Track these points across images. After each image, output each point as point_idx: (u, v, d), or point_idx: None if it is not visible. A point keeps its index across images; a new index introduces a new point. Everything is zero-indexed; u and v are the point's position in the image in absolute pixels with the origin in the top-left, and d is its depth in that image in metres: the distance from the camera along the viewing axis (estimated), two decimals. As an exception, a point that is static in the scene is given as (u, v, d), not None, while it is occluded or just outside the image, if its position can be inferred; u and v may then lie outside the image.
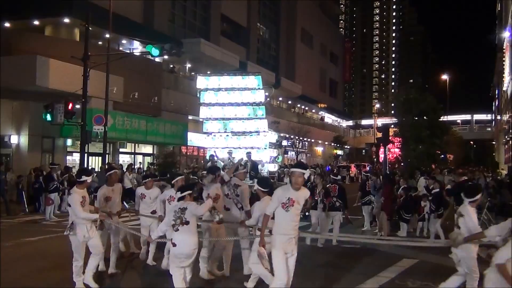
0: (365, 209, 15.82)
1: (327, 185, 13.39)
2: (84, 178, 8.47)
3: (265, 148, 22.41)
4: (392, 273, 9.76)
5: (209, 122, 22.67)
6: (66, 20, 30.46)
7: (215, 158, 20.36)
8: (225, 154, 20.60)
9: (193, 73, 40.76)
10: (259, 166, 20.13)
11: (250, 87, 22.21)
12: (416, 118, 30.97)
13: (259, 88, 22.27)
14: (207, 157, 22.04)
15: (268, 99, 62.40)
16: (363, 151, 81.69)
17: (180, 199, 7.29)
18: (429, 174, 18.37)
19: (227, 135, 22.31)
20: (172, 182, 9.36)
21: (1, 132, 26.33)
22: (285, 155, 58.77)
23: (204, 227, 8.97)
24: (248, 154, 19.51)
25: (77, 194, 8.32)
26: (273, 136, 23.43)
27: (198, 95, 22.81)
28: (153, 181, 10.90)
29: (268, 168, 23.09)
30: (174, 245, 7.09)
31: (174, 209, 7.28)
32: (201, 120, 24.17)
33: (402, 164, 33.81)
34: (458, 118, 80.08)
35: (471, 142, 74.18)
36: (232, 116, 22.33)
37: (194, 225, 7.23)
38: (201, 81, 22.81)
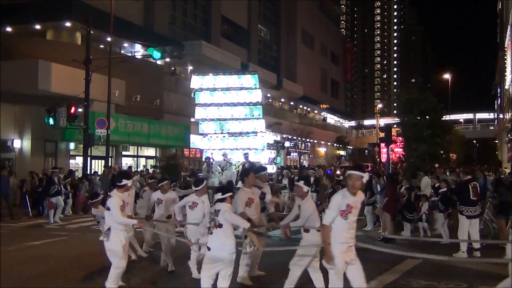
0: (368, 209, 15.82)
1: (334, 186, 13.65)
2: (124, 181, 8.08)
3: (263, 149, 21.70)
4: (396, 273, 9.75)
5: (205, 123, 21.75)
6: (68, 24, 30.51)
7: (211, 160, 19.75)
8: (221, 156, 19.99)
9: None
10: None
11: (246, 87, 21.37)
12: (418, 118, 30.93)
13: (255, 88, 21.50)
14: (203, 159, 21.34)
15: (270, 100, 62.74)
16: (366, 151, 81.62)
17: (219, 200, 6.89)
18: (432, 174, 18.36)
19: (224, 136, 21.40)
20: (158, 185, 9.30)
21: (4, 136, 26.38)
22: (288, 156, 58.83)
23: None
24: (246, 155, 19.12)
25: (117, 197, 7.97)
26: (271, 137, 22.74)
27: (193, 95, 21.90)
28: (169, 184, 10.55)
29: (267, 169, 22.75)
30: (208, 248, 6.79)
31: (210, 210, 7.09)
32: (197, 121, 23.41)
33: (404, 164, 33.75)
34: (461, 117, 79.99)
35: (474, 141, 74.05)
36: (229, 117, 21.38)
37: (229, 228, 6.83)
38: (196, 81, 21.77)
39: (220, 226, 6.72)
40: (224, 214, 6.73)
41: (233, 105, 21.17)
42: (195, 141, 35.20)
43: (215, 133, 21.48)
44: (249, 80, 21.40)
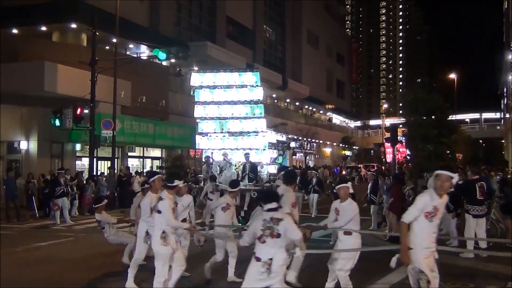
0: (374, 209, 15.81)
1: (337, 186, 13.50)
2: (176, 182, 7.81)
3: (264, 149, 20.80)
4: (403, 274, 9.71)
5: (204, 121, 20.76)
6: (73, 25, 30.58)
7: (211, 159, 19.20)
8: (221, 156, 19.23)
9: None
10: (258, 168, 19.04)
11: (247, 84, 20.39)
12: (424, 118, 30.85)
13: (257, 85, 20.45)
14: (203, 159, 20.75)
15: (275, 100, 62.73)
16: (372, 151, 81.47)
17: (274, 209, 6.22)
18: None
19: (224, 136, 20.46)
20: (150, 181, 8.64)
21: (11, 138, 26.50)
22: (293, 157, 58.80)
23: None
24: (247, 155, 18.37)
25: (169, 200, 7.67)
26: (272, 136, 21.88)
27: (192, 93, 21.07)
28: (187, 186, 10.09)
29: (268, 169, 21.63)
30: (258, 259, 6.11)
31: (263, 217, 6.23)
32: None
33: (410, 164, 33.61)
34: (467, 117, 79.72)
35: (480, 141, 73.79)
36: (229, 115, 20.41)
37: (285, 240, 6.22)
38: (196, 78, 20.87)
39: (278, 236, 6.11)
40: (287, 226, 6.13)
41: (233, 103, 20.27)
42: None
43: (214, 132, 20.63)
44: (250, 77, 20.53)
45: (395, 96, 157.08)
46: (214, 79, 20.50)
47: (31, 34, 31.04)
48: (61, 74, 24.99)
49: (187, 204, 9.19)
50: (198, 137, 21.29)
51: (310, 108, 72.73)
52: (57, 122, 23.15)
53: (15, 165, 25.84)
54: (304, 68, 67.15)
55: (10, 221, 19.03)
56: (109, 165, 26.34)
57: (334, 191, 12.08)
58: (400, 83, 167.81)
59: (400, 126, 35.21)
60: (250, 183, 17.32)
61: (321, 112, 77.76)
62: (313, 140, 59.55)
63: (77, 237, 15.02)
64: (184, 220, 8.96)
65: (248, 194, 16.69)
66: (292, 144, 55.22)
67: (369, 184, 16.93)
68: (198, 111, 20.70)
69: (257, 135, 20.15)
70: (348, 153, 75.72)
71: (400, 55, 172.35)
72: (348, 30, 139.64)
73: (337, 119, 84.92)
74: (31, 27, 30.81)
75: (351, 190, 7.85)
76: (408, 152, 36.00)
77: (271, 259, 6.05)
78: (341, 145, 72.81)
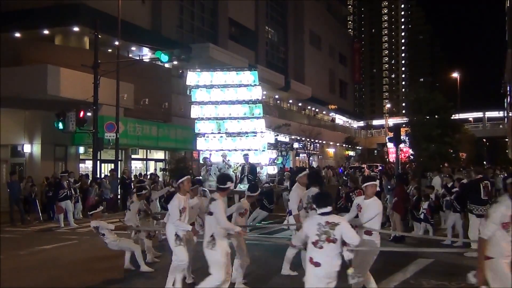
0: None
1: (339, 187, 13.90)
2: (228, 184, 7.67)
3: (263, 150, 20.03)
4: (407, 273, 9.73)
5: (201, 122, 20.03)
6: (76, 28, 30.65)
7: (209, 161, 18.57)
8: (219, 158, 18.69)
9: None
10: (258, 169, 18.41)
11: (245, 84, 19.68)
12: (427, 117, 30.79)
13: (255, 85, 19.68)
14: (201, 160, 19.95)
15: (278, 101, 62.74)
16: (375, 151, 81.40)
17: (326, 214, 6.15)
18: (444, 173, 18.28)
19: (221, 136, 19.77)
20: (178, 182, 8.39)
21: (14, 141, 26.55)
22: (297, 157, 58.79)
23: None
24: (246, 156, 17.93)
25: (222, 201, 7.50)
26: (271, 136, 21.14)
27: (188, 93, 20.17)
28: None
29: (267, 171, 20.85)
30: (317, 264, 6.02)
31: (317, 221, 6.16)
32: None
33: (413, 164, 33.58)
34: (470, 116, 79.54)
35: (484, 140, 73.64)
36: (227, 116, 19.71)
37: (340, 244, 6.17)
38: (192, 77, 20.09)
39: (334, 241, 6.05)
40: (343, 230, 6.08)
41: (231, 103, 19.56)
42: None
43: (212, 133, 19.90)
44: (248, 76, 19.71)
45: (398, 96, 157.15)
46: (211, 79, 19.86)
47: (33, 37, 31.14)
48: (64, 77, 25.02)
49: (197, 207, 9.26)
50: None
51: (313, 108, 72.76)
52: (61, 125, 23.18)
53: (19, 169, 25.87)
54: (307, 69, 67.14)
55: (14, 224, 19.09)
56: (112, 167, 26.39)
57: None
58: (403, 82, 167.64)
59: (403, 126, 35.25)
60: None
61: (324, 112, 77.78)
62: (316, 141, 59.53)
63: (81, 239, 15.04)
64: (193, 224, 8.86)
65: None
66: (295, 145, 55.21)
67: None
68: (195, 112, 20.03)
69: (255, 135, 19.45)
70: (351, 153, 75.69)
71: (403, 54, 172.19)
72: (350, 30, 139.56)
73: (340, 119, 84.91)
74: (33, 30, 30.90)
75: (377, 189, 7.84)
76: (411, 151, 36.08)
77: (328, 264, 6.01)
78: (344, 145, 72.77)
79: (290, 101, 65.11)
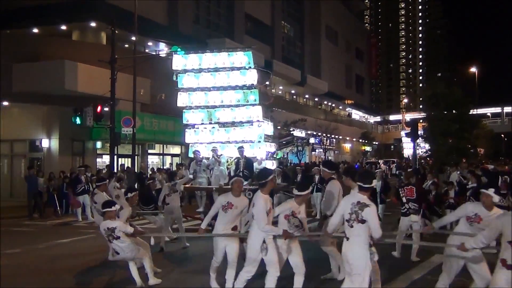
0: (381, 209, 15.65)
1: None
2: (374, 183, 6.91)
3: (260, 142, 17.17)
4: (424, 269, 9.68)
5: (190, 111, 17.44)
6: (93, 24, 30.84)
7: (200, 155, 16.24)
8: (209, 152, 16.52)
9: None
10: (255, 164, 16.14)
11: (238, 66, 17.08)
12: (445, 112, 30.59)
13: (250, 67, 17.00)
14: (190, 154, 17.52)
15: (294, 96, 62.59)
16: (392, 146, 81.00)
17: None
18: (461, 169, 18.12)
19: (213, 127, 17.22)
20: (261, 182, 7.48)
21: (32, 136, 26.84)
22: (313, 153, 58.68)
23: None
24: (240, 149, 15.73)
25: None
26: (269, 127, 18.13)
27: (175, 78, 17.67)
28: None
29: (266, 166, 17.49)
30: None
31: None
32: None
33: (428, 159, 33.46)
34: (488, 111, 78.79)
35: (502, 135, 72.91)
36: (218, 103, 17.12)
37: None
38: (178, 61, 17.46)
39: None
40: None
41: (223, 89, 17.02)
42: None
43: (202, 124, 17.36)
44: (242, 58, 17.11)
45: (415, 90, 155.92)
46: (199, 62, 17.16)
47: (51, 33, 31.41)
48: (81, 72, 25.20)
49: (243, 207, 8.14)
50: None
51: (329, 103, 72.56)
52: (78, 120, 23.34)
53: (37, 163, 26.15)
54: (323, 64, 66.93)
55: (32, 218, 19.31)
56: (129, 162, 26.55)
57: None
58: (420, 77, 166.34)
59: (421, 121, 35.10)
60: (245, 182, 14.21)
61: (340, 107, 77.52)
62: (333, 136, 59.36)
63: (98, 233, 15.10)
64: (235, 228, 8.07)
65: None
66: (312, 140, 55.10)
67: (378, 183, 15.80)
68: (182, 99, 17.43)
69: (251, 125, 16.89)
70: (368, 148, 75.40)
71: (420, 49, 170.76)
72: (367, 25, 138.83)
73: (356, 114, 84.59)
74: (51, 26, 31.17)
75: (496, 199, 6.89)
76: (428, 147, 35.88)
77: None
78: (360, 140, 72.52)
79: (306, 96, 65.00)
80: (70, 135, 26.52)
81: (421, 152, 39.56)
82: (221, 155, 15.99)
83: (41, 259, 11.48)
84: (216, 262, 8.12)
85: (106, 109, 23.78)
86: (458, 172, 17.40)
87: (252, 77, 16.87)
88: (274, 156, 17.81)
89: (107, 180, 13.36)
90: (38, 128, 26.69)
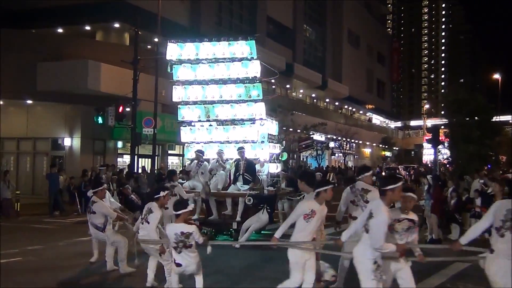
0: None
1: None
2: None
3: (263, 142, 15.36)
4: (443, 277, 9.60)
5: (186, 107, 15.71)
6: (116, 25, 31.11)
7: (202, 156, 14.73)
8: (212, 154, 15.15)
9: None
10: (257, 167, 14.61)
11: (240, 57, 15.21)
12: (467, 119, 30.28)
13: (252, 58, 15.13)
14: (186, 155, 16.21)
15: (315, 100, 62.47)
16: (412, 152, 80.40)
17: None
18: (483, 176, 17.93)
19: (211, 125, 15.49)
20: (388, 188, 6.22)
21: (55, 134, 27.15)
22: (332, 157, 58.51)
23: None
24: (241, 150, 14.18)
25: (385, 213, 5.94)
26: (273, 126, 16.40)
27: (169, 70, 16.03)
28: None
29: (269, 169, 15.70)
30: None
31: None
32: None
33: (447, 165, 33.19)
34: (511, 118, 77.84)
35: (525, 143, 71.89)
36: (217, 99, 15.29)
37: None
38: (173, 50, 15.70)
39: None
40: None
41: (222, 82, 15.26)
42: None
43: (199, 121, 15.66)
44: (243, 48, 15.25)
45: (437, 96, 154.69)
46: (196, 52, 15.44)
47: (75, 33, 31.76)
48: (104, 72, 25.43)
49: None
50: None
51: (350, 108, 72.28)
52: (100, 120, 23.57)
53: (59, 161, 26.45)
54: (344, 68, 66.71)
55: (52, 216, 19.54)
56: (149, 162, 26.71)
57: None
58: (442, 83, 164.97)
59: (442, 127, 34.75)
60: (245, 186, 13.65)
61: (361, 112, 77.19)
62: (353, 140, 59.14)
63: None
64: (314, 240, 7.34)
65: (242, 200, 13.39)
66: (331, 144, 54.95)
67: None
68: (177, 94, 15.72)
69: (253, 123, 15.02)
70: (388, 153, 74.96)
71: (443, 54, 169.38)
72: (389, 29, 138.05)
73: (377, 119, 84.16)
74: (75, 26, 31.51)
75: None
76: (448, 153, 35.55)
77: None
78: (381, 145, 72.12)
79: (327, 100, 64.83)
80: (92, 134, 26.78)
81: (442, 158, 39.23)
82: (227, 160, 14.73)
83: (61, 256, 11.63)
84: (295, 284, 6.89)
85: (127, 109, 23.98)
86: (482, 181, 17.21)
87: (255, 69, 15.08)
88: (279, 158, 16.17)
89: (105, 185, 11.55)
90: (60, 127, 27.00)
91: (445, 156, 38.41)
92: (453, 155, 33.03)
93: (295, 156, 47.38)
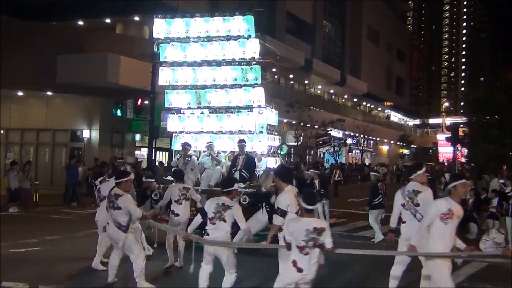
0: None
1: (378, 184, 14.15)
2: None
3: (261, 133, 13.19)
4: (461, 277, 9.52)
5: (174, 92, 13.71)
6: (136, 18, 31.22)
7: (190, 149, 12.80)
8: (201, 147, 13.24)
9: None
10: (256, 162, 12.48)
11: (237, 35, 13.14)
12: (487, 118, 30.02)
13: (250, 36, 13.09)
14: (173, 146, 14.26)
15: (333, 96, 62.22)
16: (430, 150, 79.84)
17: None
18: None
19: (202, 113, 13.54)
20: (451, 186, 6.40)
21: (74, 126, 27.39)
22: (350, 154, 58.30)
23: None
24: (241, 144, 12.12)
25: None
26: (272, 115, 13.98)
27: (156, 49, 14.10)
28: None
29: (266, 164, 13.28)
30: None
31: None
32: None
33: (466, 165, 32.91)
34: (531, 118, 76.97)
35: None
36: (209, 83, 13.31)
37: None
38: (160, 27, 13.80)
39: None
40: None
41: (216, 64, 13.27)
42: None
43: (189, 108, 13.68)
44: (240, 24, 13.20)
45: (457, 94, 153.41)
46: (186, 29, 13.46)
47: (95, 26, 31.93)
48: (123, 65, 25.55)
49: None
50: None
51: (368, 104, 71.93)
52: (119, 113, 23.72)
53: (77, 153, 26.69)
54: (363, 64, 66.35)
55: (71, 207, 19.72)
56: (167, 155, 26.82)
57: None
58: (462, 81, 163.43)
59: (461, 125, 34.51)
60: (242, 185, 11.16)
61: (379, 109, 76.78)
62: (370, 138, 58.87)
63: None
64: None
65: (237, 199, 11.32)
66: (349, 141, 54.74)
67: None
68: (164, 76, 13.83)
69: (251, 111, 13.03)
70: (405, 151, 74.51)
71: (463, 52, 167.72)
72: (409, 26, 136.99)
73: (395, 116, 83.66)
74: (95, 19, 31.67)
75: None
76: (466, 152, 35.30)
77: None
78: (398, 143, 71.70)
79: (345, 96, 64.56)
80: (110, 126, 26.97)
81: (460, 156, 38.96)
82: (219, 152, 12.96)
83: (79, 246, 11.73)
84: None
85: (146, 102, 24.09)
86: (502, 181, 17.06)
87: (253, 48, 13.08)
88: (278, 151, 14.15)
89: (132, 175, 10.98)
90: (79, 119, 27.25)
91: (463, 155, 38.10)
92: (471, 154, 32.79)
93: (311, 152, 47.34)
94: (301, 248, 5.81)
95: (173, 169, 11.70)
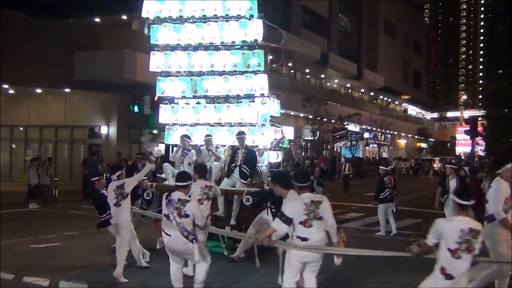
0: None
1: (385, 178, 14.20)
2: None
3: (264, 125, 11.88)
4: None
5: (167, 80, 12.41)
6: (152, 14, 31.31)
7: (188, 139, 11.53)
8: (201, 140, 11.78)
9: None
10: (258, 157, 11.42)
11: (237, 15, 11.66)
12: (506, 111, 29.72)
13: (252, 17, 11.65)
14: (166, 140, 13.24)
15: (350, 90, 61.94)
16: (448, 144, 79.25)
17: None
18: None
19: (198, 103, 12.28)
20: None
21: (92, 123, 27.60)
22: (367, 148, 58.08)
23: None
24: (241, 136, 11.03)
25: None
26: (274, 106, 12.63)
27: (146, 32, 12.77)
28: None
29: (269, 158, 12.30)
30: None
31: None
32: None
33: (486, 159, 32.58)
34: (552, 110, 76.06)
35: None
36: (206, 69, 11.86)
37: None
38: (150, 6, 12.57)
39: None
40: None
41: (213, 48, 11.85)
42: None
43: (183, 97, 12.38)
44: (241, 3, 11.67)
45: (475, 87, 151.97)
46: (180, 7, 12.03)
47: (112, 23, 32.10)
48: (140, 62, 25.61)
49: None
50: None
51: (385, 98, 71.53)
52: (136, 109, 23.88)
53: (95, 149, 26.90)
54: (380, 58, 65.95)
55: (89, 202, 19.88)
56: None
57: None
58: (480, 74, 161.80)
59: (480, 118, 34.20)
60: (243, 182, 10.61)
61: (396, 102, 76.30)
62: (388, 131, 58.58)
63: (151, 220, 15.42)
64: None
65: (239, 199, 10.49)
66: (366, 135, 54.53)
67: (451, 181, 12.92)
68: (156, 62, 12.51)
69: (252, 102, 11.68)
70: (423, 145, 74.01)
71: (481, 45, 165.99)
72: (426, 19, 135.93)
73: (413, 110, 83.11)
74: (112, 16, 31.83)
75: None
76: (484, 145, 34.99)
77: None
78: (416, 136, 71.24)
79: (362, 90, 64.25)
80: (128, 122, 27.11)
81: (479, 150, 38.64)
82: (217, 146, 11.72)
83: (99, 242, 11.81)
84: None
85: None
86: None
87: (255, 30, 11.68)
88: (280, 145, 12.96)
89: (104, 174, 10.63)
90: (97, 115, 27.44)
91: (481, 148, 37.78)
92: (490, 148, 32.50)
93: (328, 146, 47.24)
94: (454, 251, 5.19)
95: (194, 165, 10.51)
